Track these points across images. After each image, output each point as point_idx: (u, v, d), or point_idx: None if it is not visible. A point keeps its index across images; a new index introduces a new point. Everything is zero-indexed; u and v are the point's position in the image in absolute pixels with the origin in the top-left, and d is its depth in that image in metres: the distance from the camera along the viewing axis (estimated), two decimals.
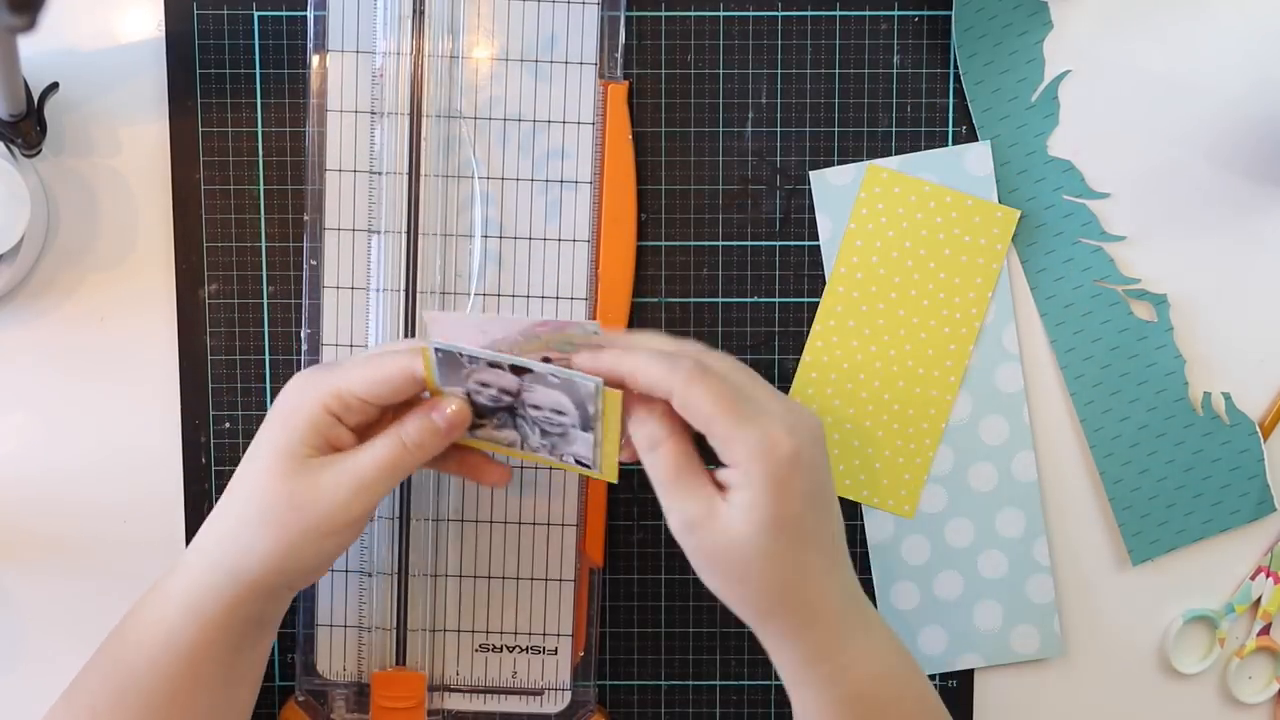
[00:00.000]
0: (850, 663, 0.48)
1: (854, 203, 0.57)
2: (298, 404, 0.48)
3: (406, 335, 0.57)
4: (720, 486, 0.47)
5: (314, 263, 0.57)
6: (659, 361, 0.46)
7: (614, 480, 0.49)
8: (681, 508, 0.47)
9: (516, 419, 0.50)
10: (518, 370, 0.47)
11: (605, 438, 0.48)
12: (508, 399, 0.49)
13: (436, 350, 0.47)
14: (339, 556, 0.50)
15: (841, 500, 0.58)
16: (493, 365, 0.47)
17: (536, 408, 0.48)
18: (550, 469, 0.57)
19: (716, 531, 0.46)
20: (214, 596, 0.48)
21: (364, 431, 0.49)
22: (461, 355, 0.47)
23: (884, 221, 0.57)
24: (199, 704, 0.49)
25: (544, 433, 0.49)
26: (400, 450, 0.48)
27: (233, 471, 0.58)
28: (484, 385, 0.48)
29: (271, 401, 0.58)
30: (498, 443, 0.51)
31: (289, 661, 0.59)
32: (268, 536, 0.47)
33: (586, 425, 0.48)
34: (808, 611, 0.47)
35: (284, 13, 0.56)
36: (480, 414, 0.50)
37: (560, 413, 0.48)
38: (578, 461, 0.50)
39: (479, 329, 0.48)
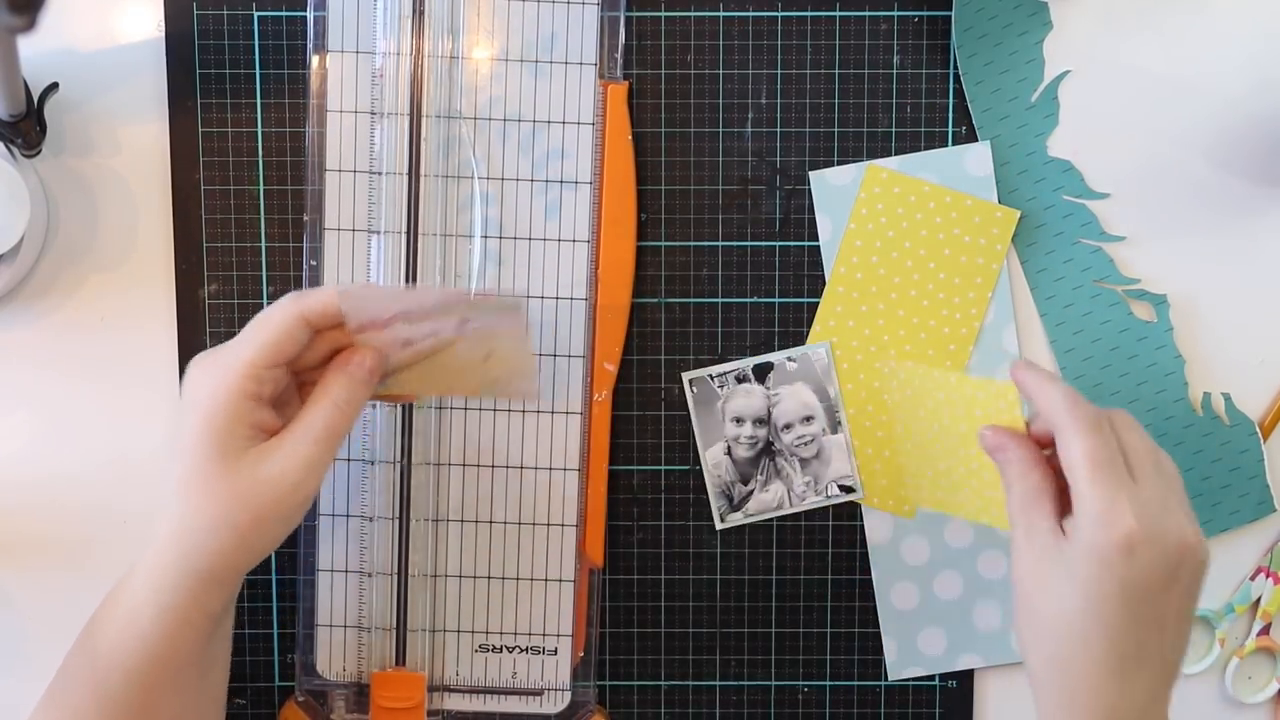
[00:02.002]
0: None
1: (854, 203, 0.57)
2: (215, 396, 0.47)
3: None
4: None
5: (314, 263, 0.57)
6: (1068, 399, 0.48)
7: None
8: (1017, 537, 0.48)
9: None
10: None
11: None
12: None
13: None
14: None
15: (841, 500, 0.58)
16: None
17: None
18: (546, 468, 0.58)
19: (1033, 565, 0.47)
20: (181, 597, 0.47)
21: (279, 402, 0.49)
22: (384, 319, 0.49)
23: (884, 222, 0.57)
24: (177, 699, 0.49)
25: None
26: (335, 413, 0.48)
27: None
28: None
29: None
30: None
31: (289, 661, 0.58)
32: (224, 537, 0.47)
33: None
34: (1070, 694, 0.47)
35: (284, 13, 0.56)
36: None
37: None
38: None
39: (393, 300, 0.49)
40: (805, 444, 0.57)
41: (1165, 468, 0.49)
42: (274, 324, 0.47)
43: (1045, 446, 0.50)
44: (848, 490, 0.58)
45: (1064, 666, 0.47)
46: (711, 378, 0.57)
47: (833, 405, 0.57)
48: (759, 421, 0.57)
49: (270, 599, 0.58)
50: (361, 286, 0.50)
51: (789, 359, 0.55)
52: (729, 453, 0.57)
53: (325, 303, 0.48)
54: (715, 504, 0.58)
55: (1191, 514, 0.48)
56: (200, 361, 0.49)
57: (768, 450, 0.57)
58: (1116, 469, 0.47)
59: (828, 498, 0.57)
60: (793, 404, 0.57)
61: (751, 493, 0.58)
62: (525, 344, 0.51)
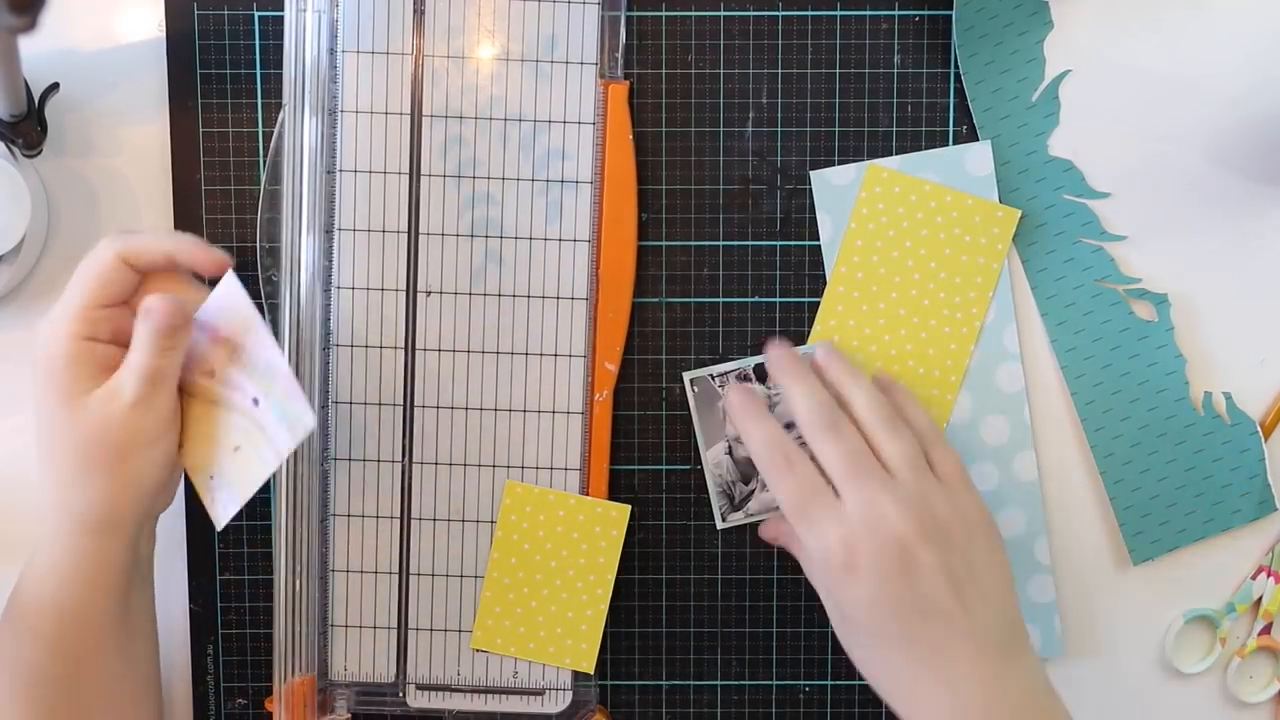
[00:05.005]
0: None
1: (854, 202, 0.57)
2: (49, 346, 0.48)
3: (408, 335, 0.57)
4: None
5: (270, 267, 0.57)
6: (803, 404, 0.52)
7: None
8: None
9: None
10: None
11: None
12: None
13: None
14: (172, 466, 0.50)
15: None
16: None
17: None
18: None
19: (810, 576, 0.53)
20: (77, 554, 0.48)
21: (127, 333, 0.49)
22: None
23: (884, 221, 0.57)
24: (100, 667, 0.49)
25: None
26: (146, 356, 0.48)
27: None
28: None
29: None
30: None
31: None
32: (96, 479, 0.47)
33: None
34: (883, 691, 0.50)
35: (284, 13, 0.56)
36: None
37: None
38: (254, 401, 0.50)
39: (244, 325, 0.49)
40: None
41: (899, 445, 0.50)
42: (93, 267, 0.48)
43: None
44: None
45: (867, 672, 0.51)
46: (713, 377, 0.57)
47: None
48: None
49: (270, 599, 0.58)
50: (234, 289, 0.50)
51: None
52: (730, 452, 0.57)
53: (147, 247, 0.48)
54: (716, 503, 0.58)
55: (921, 482, 0.50)
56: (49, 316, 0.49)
57: None
58: (819, 492, 0.49)
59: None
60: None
61: (753, 492, 0.58)
62: (265, 470, 0.49)
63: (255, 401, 0.49)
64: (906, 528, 0.48)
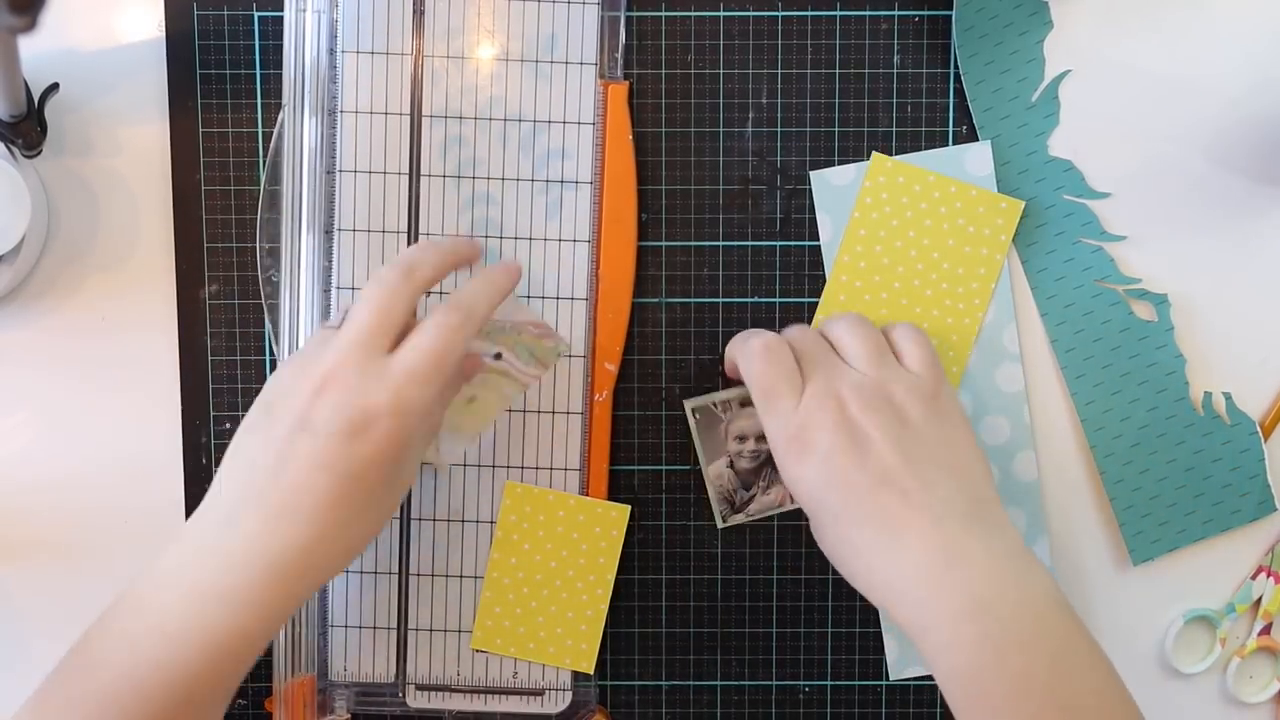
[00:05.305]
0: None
1: (859, 191, 0.57)
2: (367, 423, 0.45)
3: None
4: None
5: (270, 265, 0.57)
6: (736, 345, 0.54)
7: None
8: None
9: None
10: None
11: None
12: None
13: None
14: None
15: None
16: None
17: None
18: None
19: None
20: (288, 603, 0.45)
21: None
22: None
23: (888, 211, 0.57)
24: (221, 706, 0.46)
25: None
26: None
27: None
28: None
29: None
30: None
31: None
32: (337, 550, 0.45)
33: None
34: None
35: (284, 13, 0.56)
36: None
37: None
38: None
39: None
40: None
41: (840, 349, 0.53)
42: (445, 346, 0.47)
43: None
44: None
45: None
46: (715, 405, 0.57)
47: None
48: (762, 438, 0.57)
49: None
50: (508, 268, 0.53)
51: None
52: (731, 465, 0.57)
53: (435, 270, 0.50)
54: (717, 508, 0.58)
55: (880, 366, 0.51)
56: (342, 374, 0.46)
57: (770, 461, 0.57)
58: (786, 379, 0.51)
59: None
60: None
61: (754, 496, 0.57)
62: (507, 402, 0.55)
63: (497, 356, 0.53)
64: (858, 408, 0.49)
